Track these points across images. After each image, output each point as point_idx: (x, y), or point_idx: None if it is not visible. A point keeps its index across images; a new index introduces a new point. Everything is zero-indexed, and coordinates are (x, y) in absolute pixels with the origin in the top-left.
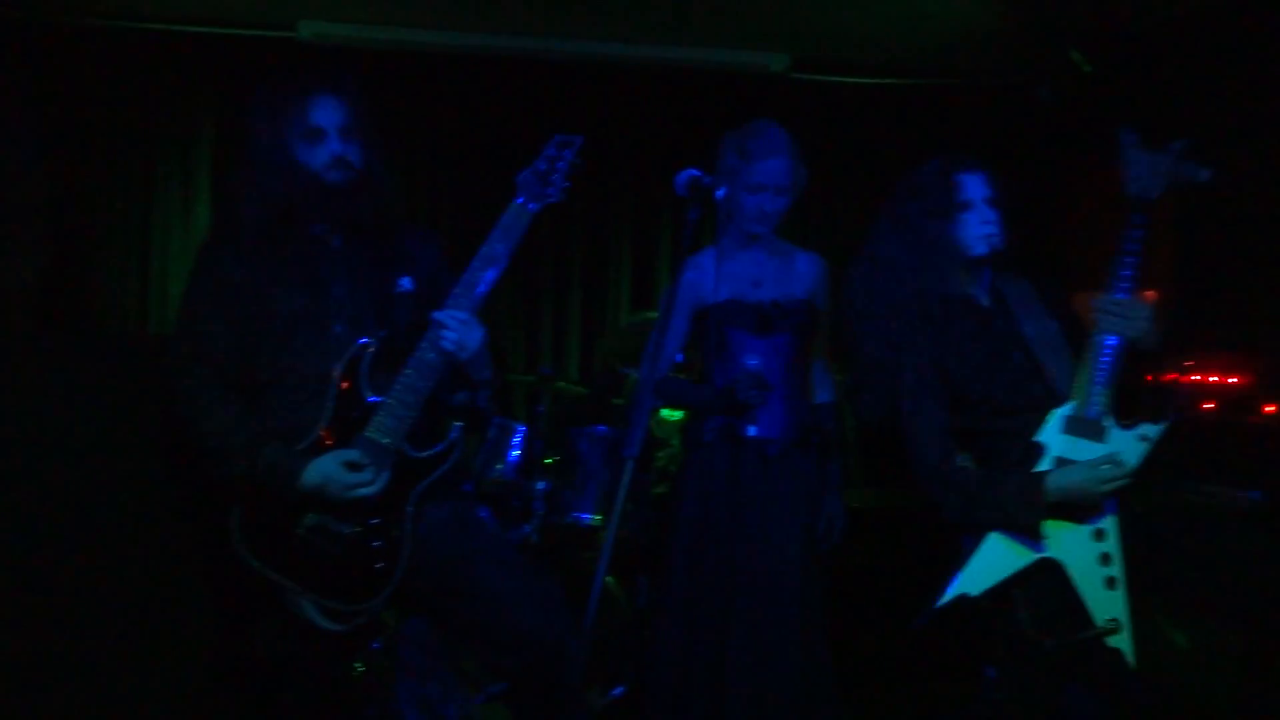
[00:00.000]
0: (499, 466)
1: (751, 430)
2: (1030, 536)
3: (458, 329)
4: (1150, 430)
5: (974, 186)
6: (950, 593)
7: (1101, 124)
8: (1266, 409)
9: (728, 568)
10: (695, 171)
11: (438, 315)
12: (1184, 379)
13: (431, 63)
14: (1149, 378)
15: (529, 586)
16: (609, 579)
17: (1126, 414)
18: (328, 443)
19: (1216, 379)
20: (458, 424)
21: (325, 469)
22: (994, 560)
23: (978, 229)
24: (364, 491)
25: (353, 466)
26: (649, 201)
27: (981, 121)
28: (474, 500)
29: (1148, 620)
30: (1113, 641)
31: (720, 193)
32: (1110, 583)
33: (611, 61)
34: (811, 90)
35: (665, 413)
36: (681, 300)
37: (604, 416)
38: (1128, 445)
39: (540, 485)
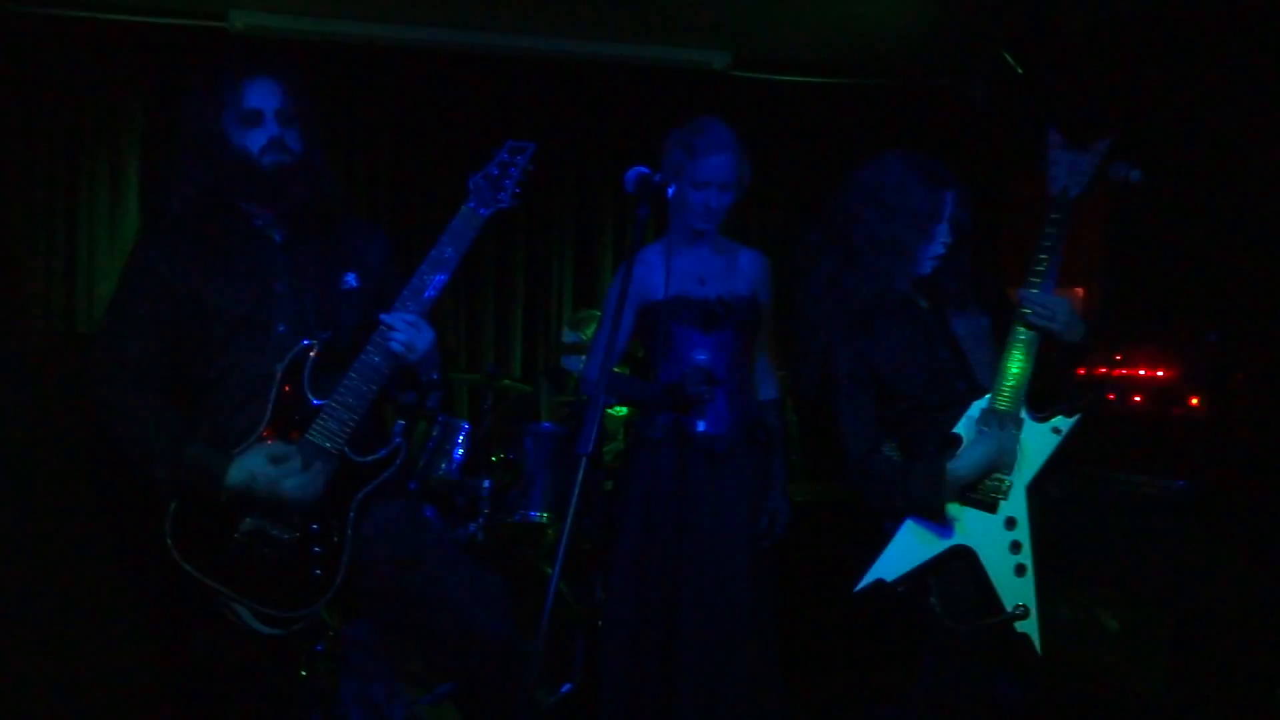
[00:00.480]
0: (444, 465)
1: (700, 425)
2: (937, 522)
3: (406, 331)
4: (1063, 423)
5: (949, 204)
6: (867, 578)
7: (1034, 123)
8: (1192, 401)
9: (674, 565)
10: (644, 169)
11: (385, 318)
12: (1113, 372)
13: (369, 56)
14: (1080, 371)
15: (477, 586)
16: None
17: (1046, 406)
18: (269, 444)
19: (1144, 372)
20: (400, 422)
21: (250, 465)
22: (910, 547)
23: (935, 248)
24: (290, 485)
25: (278, 460)
26: (592, 198)
27: (917, 120)
28: (419, 499)
29: (1081, 605)
30: (1021, 627)
31: (671, 190)
32: (1020, 570)
33: (552, 58)
34: (752, 88)
35: (610, 409)
36: (629, 296)
37: (549, 414)
38: (1041, 437)
39: (486, 483)
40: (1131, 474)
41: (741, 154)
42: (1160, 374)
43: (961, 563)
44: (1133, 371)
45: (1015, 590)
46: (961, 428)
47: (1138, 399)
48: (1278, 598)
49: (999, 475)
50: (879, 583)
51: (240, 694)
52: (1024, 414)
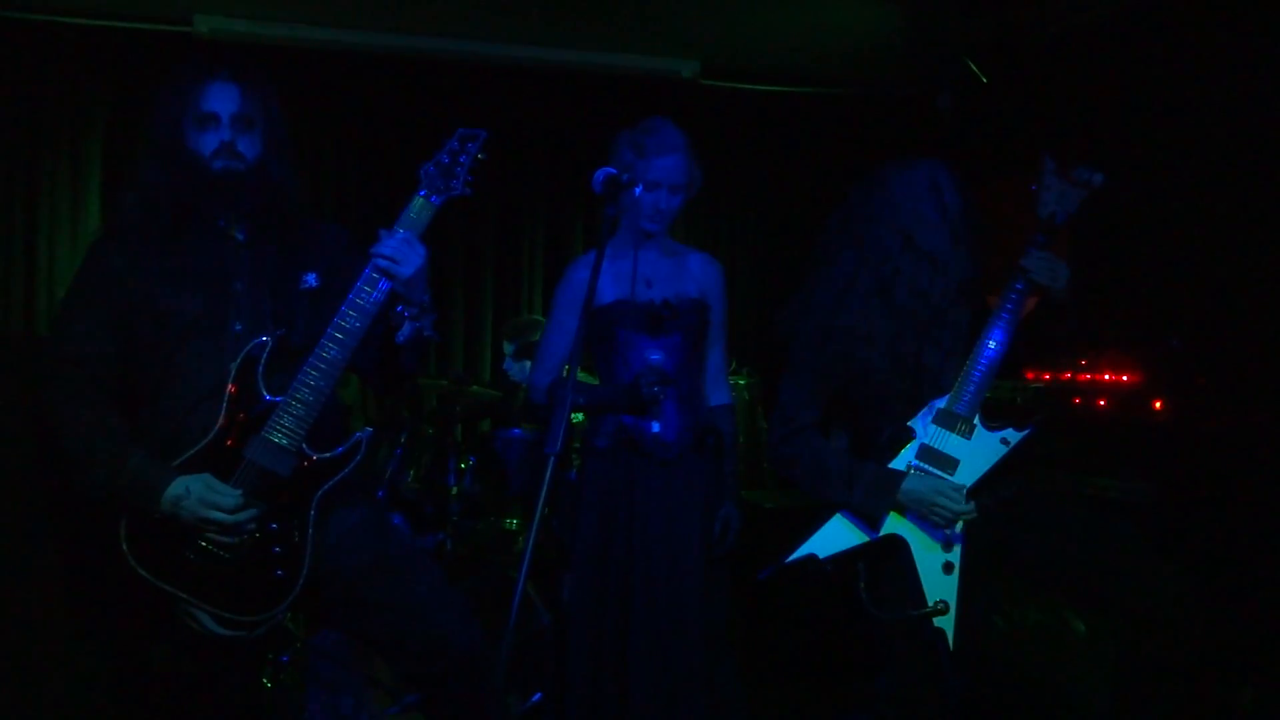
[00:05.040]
0: (410, 473)
1: (654, 427)
2: (870, 525)
3: (394, 247)
4: (1012, 435)
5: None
6: (800, 552)
7: (998, 133)
8: (1155, 405)
9: (626, 574)
10: (612, 170)
11: (380, 240)
12: (1078, 376)
13: (336, 61)
14: (1029, 375)
15: (444, 593)
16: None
17: (999, 416)
18: (227, 443)
19: (1109, 377)
20: (368, 429)
21: (187, 484)
22: (847, 529)
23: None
24: (219, 516)
25: (214, 490)
26: (561, 204)
27: (884, 130)
28: (386, 507)
29: (1049, 608)
30: (938, 621)
31: (638, 190)
32: (948, 568)
33: (523, 65)
34: (721, 96)
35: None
36: (571, 299)
37: (518, 419)
38: (989, 445)
39: (454, 491)
40: (1097, 478)
41: (692, 156)
42: (1124, 378)
43: (893, 552)
44: (1098, 376)
45: (940, 586)
46: (916, 423)
47: (1102, 403)
48: (1220, 606)
49: (939, 525)
50: (811, 558)
51: (203, 704)
52: (977, 420)
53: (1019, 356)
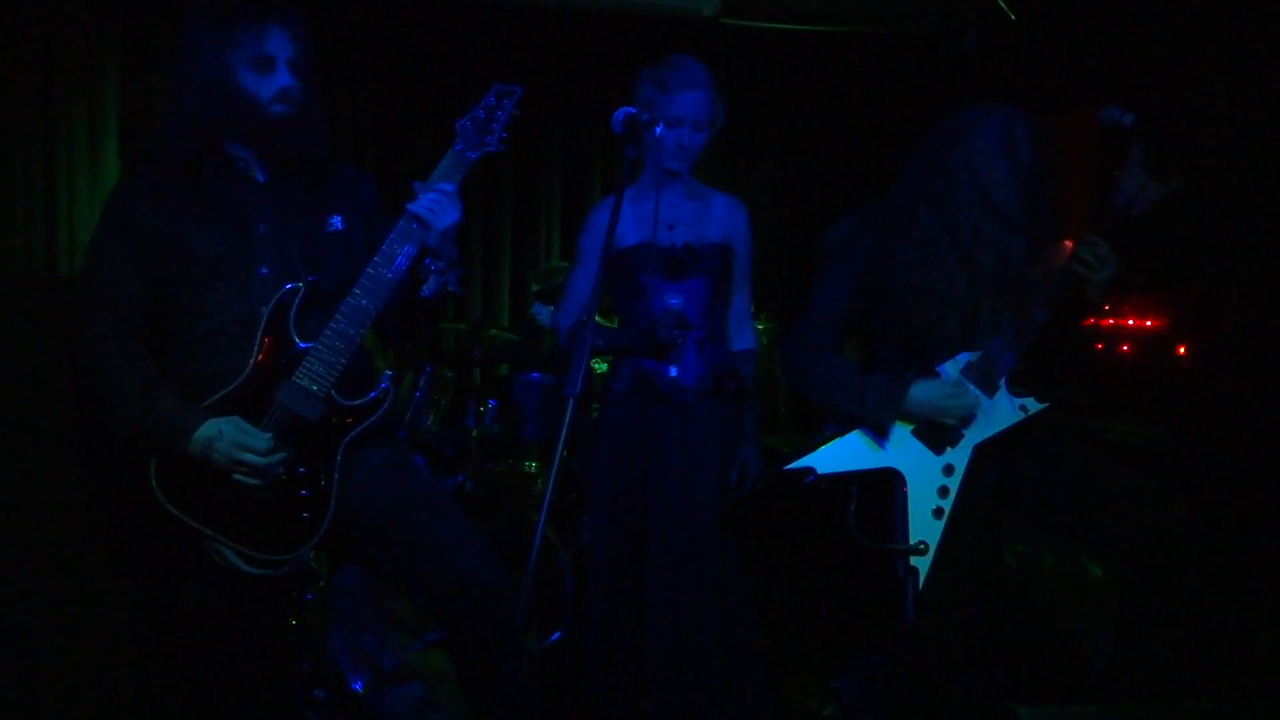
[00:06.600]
0: (431, 415)
1: (672, 371)
2: (880, 435)
3: (433, 200)
4: (1032, 405)
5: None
6: (800, 462)
7: (1026, 72)
8: (1179, 350)
9: (643, 517)
10: (631, 109)
11: (416, 190)
12: (1101, 322)
13: (353, 1)
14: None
15: (466, 532)
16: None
17: (1026, 383)
18: (257, 386)
19: (1132, 322)
20: (388, 373)
21: (220, 426)
22: (851, 451)
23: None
24: (251, 458)
25: (246, 433)
26: (580, 146)
27: (909, 70)
28: (408, 447)
29: (1066, 554)
30: (915, 561)
31: (659, 129)
32: (938, 513)
33: (541, 4)
34: (742, 35)
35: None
36: (593, 242)
37: (537, 362)
38: (1006, 408)
39: (473, 433)
40: (1119, 423)
41: (715, 92)
42: (1148, 323)
43: (889, 485)
44: (1121, 321)
45: (924, 528)
46: (945, 368)
47: (1125, 348)
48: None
49: (953, 425)
50: (809, 470)
51: (230, 640)
52: (1003, 382)
53: None
